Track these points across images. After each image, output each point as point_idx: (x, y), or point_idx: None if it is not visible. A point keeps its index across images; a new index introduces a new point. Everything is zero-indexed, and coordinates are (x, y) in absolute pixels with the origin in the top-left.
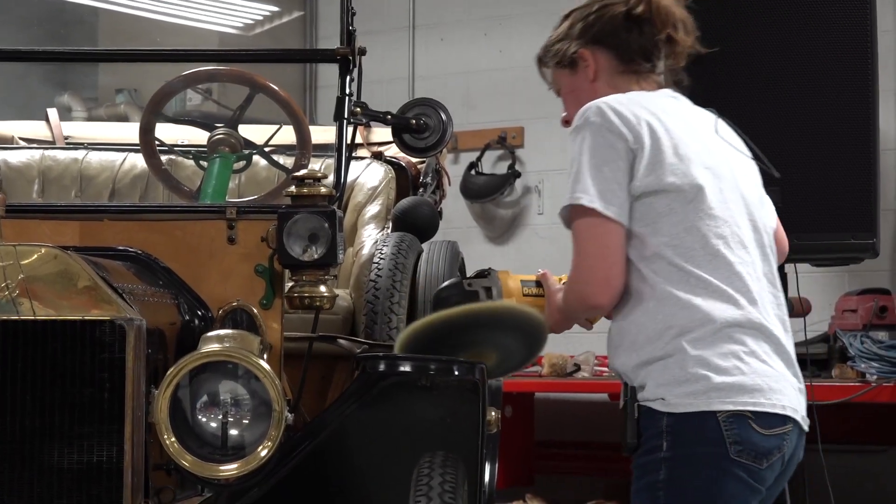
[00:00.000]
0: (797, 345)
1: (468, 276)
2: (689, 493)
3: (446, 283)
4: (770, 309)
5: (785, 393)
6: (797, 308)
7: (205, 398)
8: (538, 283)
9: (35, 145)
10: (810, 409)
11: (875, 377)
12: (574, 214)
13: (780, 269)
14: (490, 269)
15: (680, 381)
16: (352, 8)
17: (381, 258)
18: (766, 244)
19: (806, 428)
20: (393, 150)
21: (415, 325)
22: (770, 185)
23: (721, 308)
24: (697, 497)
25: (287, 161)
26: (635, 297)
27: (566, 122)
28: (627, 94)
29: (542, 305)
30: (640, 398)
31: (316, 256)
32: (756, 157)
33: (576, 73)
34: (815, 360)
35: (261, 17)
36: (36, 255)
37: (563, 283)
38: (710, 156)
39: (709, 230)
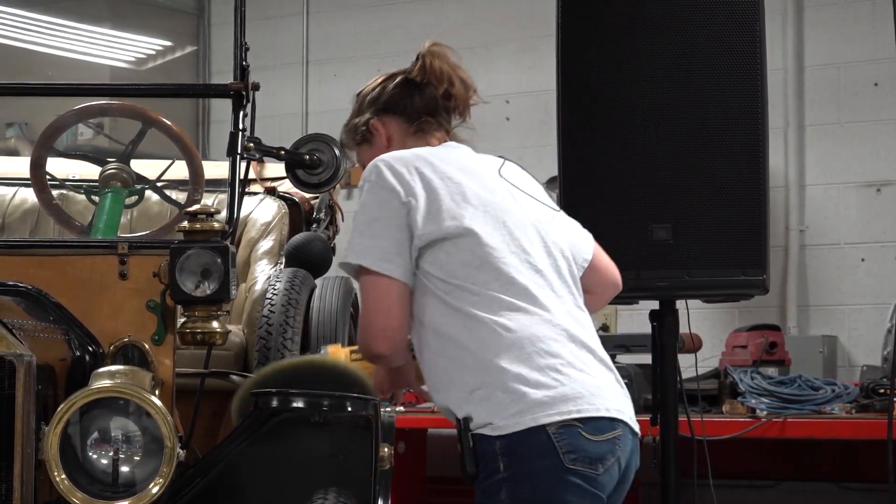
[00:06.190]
0: (688, 380)
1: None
2: None
3: None
4: (577, 322)
5: (607, 397)
6: (688, 344)
7: (95, 435)
8: None
9: None
10: (701, 445)
11: (765, 413)
12: (355, 271)
13: (671, 304)
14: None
15: (504, 404)
16: (245, 43)
17: (274, 294)
18: (561, 267)
19: (638, 432)
20: (286, 186)
21: (247, 384)
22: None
23: (530, 324)
24: None
25: (179, 196)
26: (445, 334)
27: None
28: (411, 149)
29: (371, 368)
30: (472, 427)
31: (208, 292)
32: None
33: (373, 145)
34: (705, 396)
35: (153, 52)
36: None
37: None
38: (492, 194)
39: (499, 262)
